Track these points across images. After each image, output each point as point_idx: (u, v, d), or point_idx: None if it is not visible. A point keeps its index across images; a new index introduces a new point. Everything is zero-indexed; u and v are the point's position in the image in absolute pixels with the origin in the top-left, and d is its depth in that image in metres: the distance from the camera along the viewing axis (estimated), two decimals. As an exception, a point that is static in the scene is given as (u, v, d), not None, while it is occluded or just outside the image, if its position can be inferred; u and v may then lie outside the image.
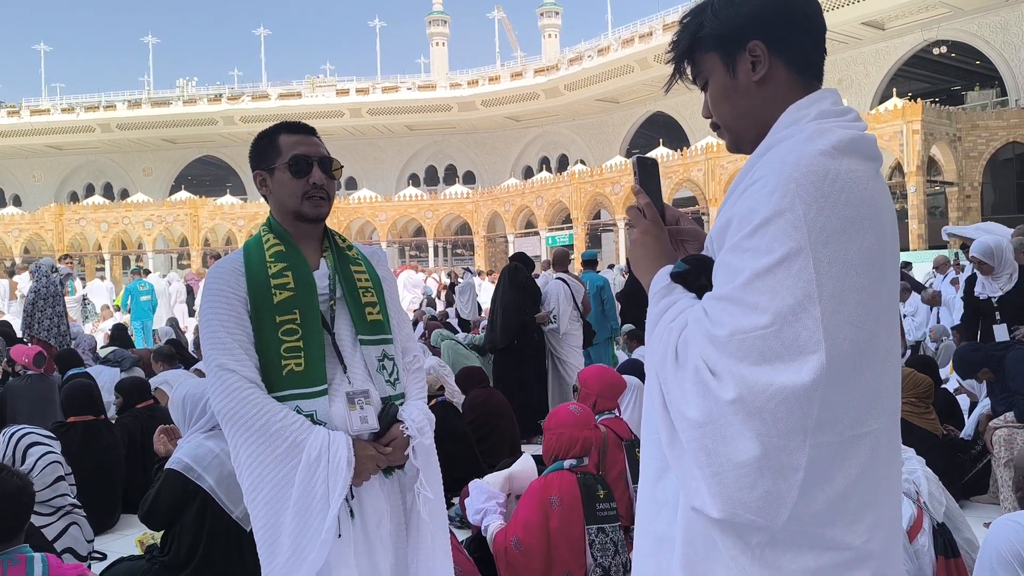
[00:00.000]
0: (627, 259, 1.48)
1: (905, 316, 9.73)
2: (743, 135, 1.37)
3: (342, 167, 2.26)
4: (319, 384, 2.02)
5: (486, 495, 3.82)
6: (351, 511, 2.00)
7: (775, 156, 1.21)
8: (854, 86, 36.85)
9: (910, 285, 10.79)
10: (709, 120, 1.43)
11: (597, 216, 40.01)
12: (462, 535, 4.13)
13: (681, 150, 34.11)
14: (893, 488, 1.25)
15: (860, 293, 1.15)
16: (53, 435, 4.36)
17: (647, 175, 1.46)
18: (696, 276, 1.29)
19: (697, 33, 1.37)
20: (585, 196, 36.58)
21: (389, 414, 2.08)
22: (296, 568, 1.90)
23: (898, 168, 27.63)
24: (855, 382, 1.15)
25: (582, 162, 45.80)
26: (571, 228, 37.59)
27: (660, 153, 34.56)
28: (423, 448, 2.13)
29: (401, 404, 2.16)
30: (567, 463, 3.48)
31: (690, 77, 1.42)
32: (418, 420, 2.13)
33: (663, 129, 44.64)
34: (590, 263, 9.65)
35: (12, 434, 4.19)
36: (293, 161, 2.11)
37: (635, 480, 4.07)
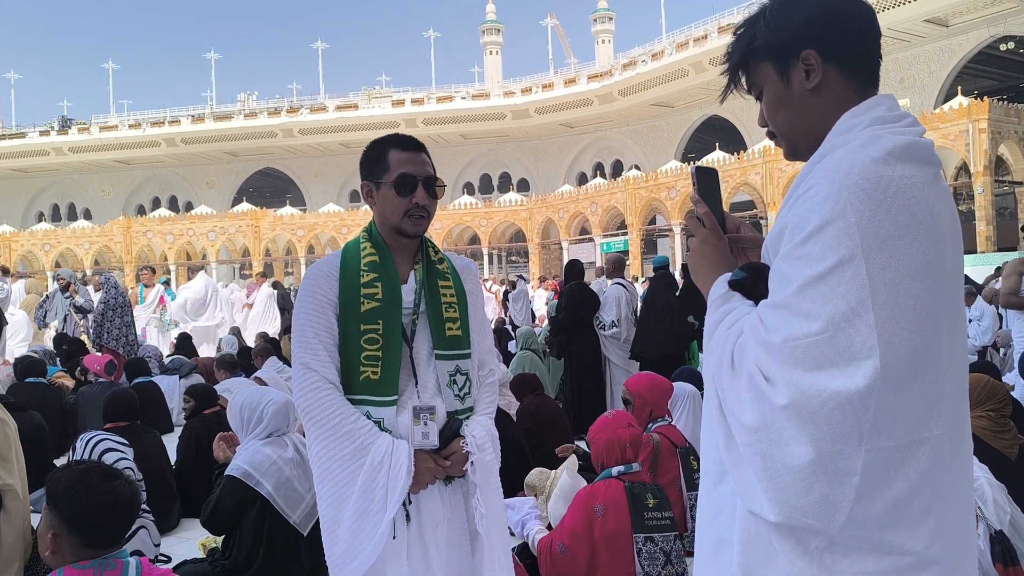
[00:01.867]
0: (682, 265, 1.50)
1: (971, 321, 9.41)
2: (799, 143, 1.38)
3: (444, 185, 2.31)
4: (390, 394, 2.11)
5: (521, 504, 3.87)
6: (407, 515, 2.08)
7: (828, 164, 1.21)
8: (917, 85, 35.90)
9: (975, 289, 10.45)
10: (765, 129, 1.44)
11: (652, 221, 39.71)
12: (513, 543, 4.14)
13: (738, 153, 33.62)
14: (960, 494, 1.24)
15: (917, 299, 1.14)
16: (127, 442, 4.51)
17: (706, 184, 1.47)
18: (754, 284, 1.30)
19: (750, 44, 1.38)
20: (640, 202, 36.35)
21: (451, 428, 2.15)
22: (349, 561, 2.01)
23: (964, 168, 26.82)
24: (912, 388, 1.15)
25: (637, 167, 45.55)
26: (626, 234, 37.38)
27: (716, 157, 34.17)
28: (482, 464, 2.17)
29: (467, 418, 2.22)
30: (615, 471, 3.45)
31: (745, 87, 1.44)
32: (479, 436, 2.18)
33: (719, 133, 44.12)
34: (662, 270, 9.58)
35: (89, 440, 4.35)
36: (400, 180, 2.18)
37: (689, 488, 4.02)
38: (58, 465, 4.21)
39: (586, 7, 66.21)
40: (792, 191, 1.28)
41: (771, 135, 1.43)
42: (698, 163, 1.83)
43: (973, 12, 33.40)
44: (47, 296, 11.35)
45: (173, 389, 8.37)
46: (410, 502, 2.08)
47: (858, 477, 1.12)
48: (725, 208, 1.51)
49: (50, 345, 10.47)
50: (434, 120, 52.88)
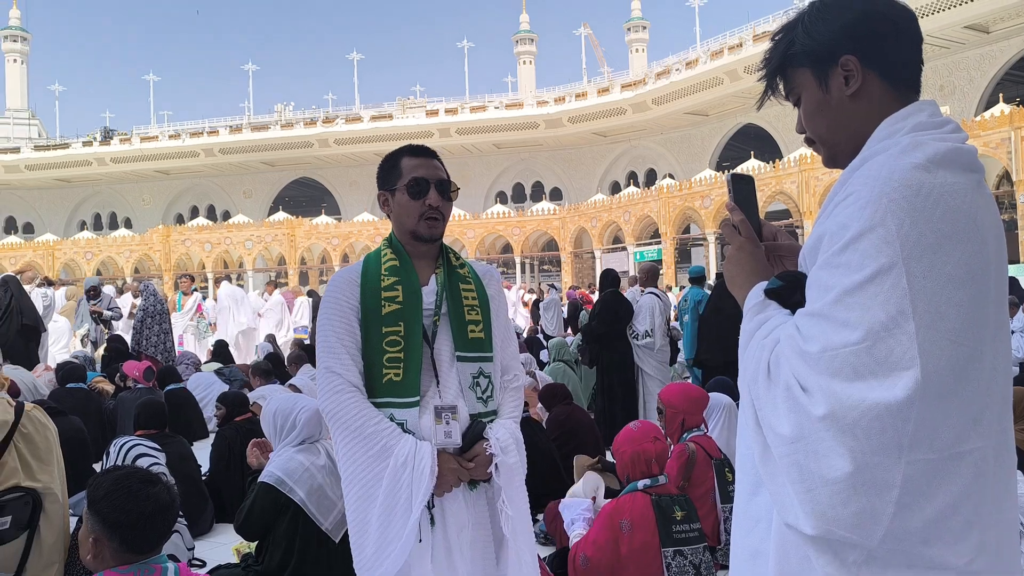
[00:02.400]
0: (716, 274, 1.49)
1: (1014, 332, 9.21)
2: (838, 150, 1.36)
3: (459, 189, 2.37)
4: (412, 396, 2.13)
5: (576, 505, 3.84)
6: (432, 519, 2.08)
7: (868, 171, 1.19)
8: (957, 92, 35.28)
9: (1017, 300, 10.22)
10: (803, 135, 1.42)
11: (687, 231, 39.43)
12: (545, 551, 4.12)
13: (773, 162, 33.29)
14: (1004, 509, 1.21)
15: (959, 308, 1.12)
16: (159, 447, 4.57)
17: (742, 192, 1.46)
18: (791, 292, 1.28)
19: (788, 50, 1.37)
20: (674, 210, 36.12)
21: (475, 431, 2.15)
22: (378, 563, 2.02)
23: (1006, 177, 26.25)
24: (955, 399, 1.12)
25: (671, 176, 45.31)
26: (659, 243, 37.16)
27: (752, 165, 33.85)
28: (507, 467, 2.17)
29: (491, 422, 2.21)
30: (640, 484, 3.40)
31: (783, 93, 1.42)
32: (503, 439, 2.18)
33: (754, 141, 43.74)
34: (698, 280, 9.53)
35: (122, 445, 4.42)
36: (412, 183, 2.23)
37: (723, 500, 3.97)
38: (97, 470, 4.27)
39: (620, 16, 66.18)
40: (830, 198, 1.25)
41: (809, 141, 1.41)
42: (734, 171, 1.81)
43: (1015, 18, 32.76)
44: (79, 303, 11.58)
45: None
46: (433, 505, 2.08)
47: (898, 490, 1.09)
48: (760, 216, 1.48)
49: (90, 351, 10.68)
50: (467, 129, 53.11)
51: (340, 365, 2.12)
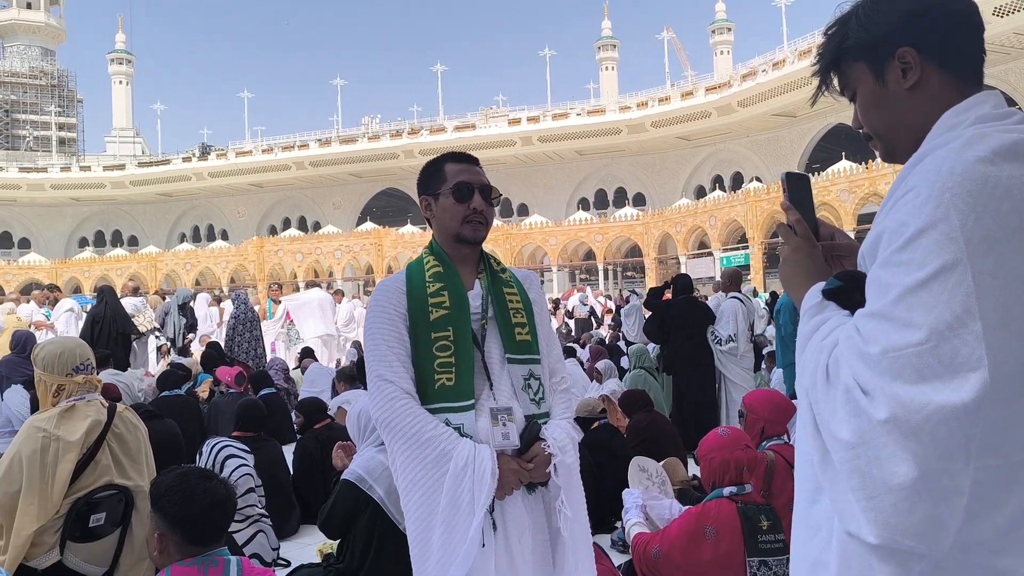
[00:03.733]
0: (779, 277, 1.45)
1: None
2: (897, 145, 1.32)
3: (500, 195, 2.39)
4: (467, 399, 2.13)
5: (628, 495, 3.88)
6: (493, 523, 2.07)
7: (929, 165, 1.15)
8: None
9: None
10: (860, 131, 1.38)
11: (775, 235, 38.44)
12: (621, 559, 4.08)
13: (866, 163, 32.13)
14: None
15: None
16: (248, 449, 4.74)
17: (798, 191, 1.43)
18: (849, 293, 1.24)
19: (843, 43, 1.33)
20: (761, 214, 35.29)
21: (531, 432, 2.15)
22: (444, 570, 2.00)
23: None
24: None
25: (758, 179, 44.30)
26: (747, 248, 36.35)
27: (843, 167, 32.79)
28: (565, 467, 2.16)
29: (545, 423, 2.22)
30: (726, 491, 3.33)
31: (837, 88, 1.38)
32: (560, 439, 2.17)
33: (846, 141, 42.33)
34: None
35: (214, 445, 4.61)
36: (456, 187, 2.25)
37: (806, 511, 3.85)
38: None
39: (703, 19, 65.32)
40: (890, 194, 1.21)
41: (867, 137, 1.37)
42: (788, 171, 1.76)
43: None
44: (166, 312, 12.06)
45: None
46: (494, 509, 2.07)
47: (966, 497, 1.04)
48: (816, 216, 1.44)
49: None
50: (550, 137, 53.20)
51: (392, 372, 2.12)
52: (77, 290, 43.67)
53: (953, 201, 1.07)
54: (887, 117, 1.31)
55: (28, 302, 12.68)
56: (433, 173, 2.33)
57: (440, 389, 2.12)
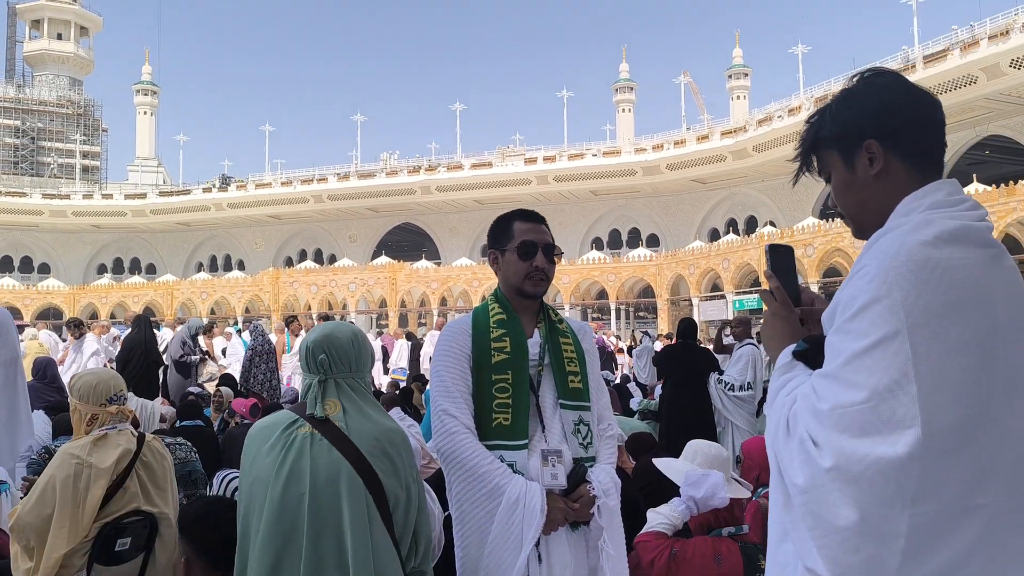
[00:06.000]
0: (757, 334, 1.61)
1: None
2: (865, 225, 1.48)
3: (562, 252, 2.59)
4: (521, 439, 2.31)
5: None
6: (539, 556, 2.23)
7: (880, 246, 1.31)
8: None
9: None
10: (836, 209, 1.55)
11: (787, 279, 38.37)
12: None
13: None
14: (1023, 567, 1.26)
15: (964, 373, 1.21)
16: (259, 480, 4.88)
17: (779, 261, 1.60)
18: (816, 354, 1.40)
19: (818, 133, 1.51)
20: (774, 259, 35.28)
21: (578, 474, 2.32)
22: None
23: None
24: (959, 457, 1.20)
25: (772, 224, 44.45)
26: (805, 285, 36.22)
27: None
28: (608, 509, 2.33)
29: (591, 466, 2.39)
30: (725, 531, 3.43)
31: (816, 170, 1.55)
32: (604, 482, 2.35)
33: (860, 188, 42.39)
34: None
35: (223, 477, 4.75)
36: (522, 246, 2.46)
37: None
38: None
39: (720, 64, 66.11)
40: (851, 271, 1.37)
41: (840, 216, 1.54)
42: (771, 242, 1.88)
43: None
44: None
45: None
46: (539, 544, 2.22)
47: (904, 540, 1.18)
48: (799, 282, 1.61)
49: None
50: (565, 177, 53.62)
51: (456, 408, 2.30)
52: (113, 316, 43.89)
53: (897, 279, 1.23)
54: (856, 200, 1.47)
55: (79, 335, 12.87)
56: (502, 230, 2.54)
57: (496, 427, 2.31)
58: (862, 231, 1.49)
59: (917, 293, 1.22)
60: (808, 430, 1.28)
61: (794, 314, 1.54)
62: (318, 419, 2.14)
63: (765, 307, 1.58)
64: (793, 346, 1.46)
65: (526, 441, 2.31)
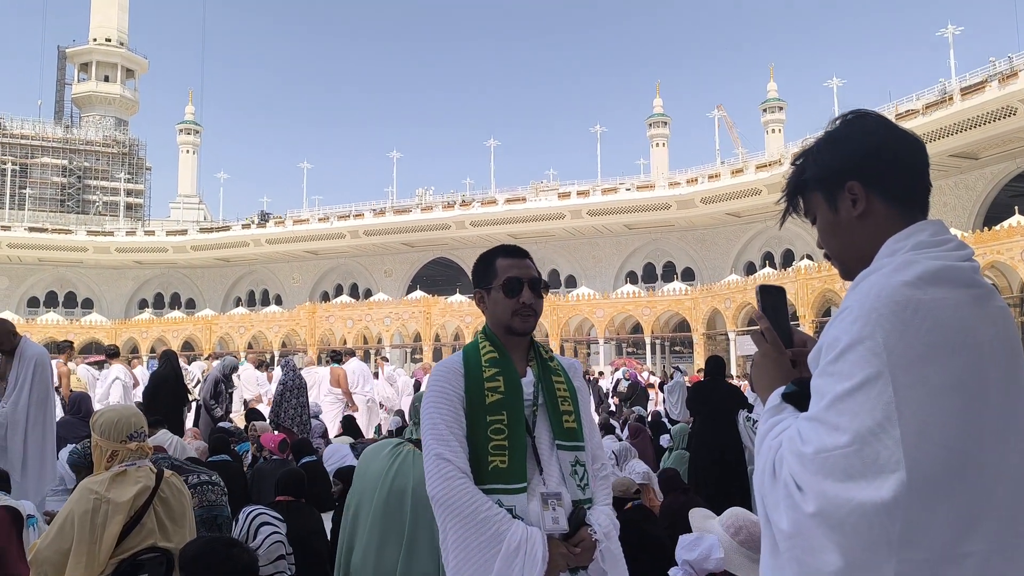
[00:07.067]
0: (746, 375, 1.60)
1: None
2: (850, 265, 1.47)
3: (549, 287, 2.53)
4: (519, 482, 2.23)
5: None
6: None
7: (863, 287, 1.30)
8: None
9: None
10: (822, 250, 1.54)
11: (827, 313, 37.88)
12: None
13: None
14: None
15: (949, 415, 1.19)
16: (281, 517, 4.90)
17: (769, 302, 1.59)
18: (804, 396, 1.38)
19: (802, 175, 1.51)
20: (812, 292, 34.91)
21: (578, 517, 2.25)
22: None
23: None
24: (945, 501, 1.18)
25: (808, 257, 43.92)
26: (797, 325, 35.81)
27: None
28: (610, 553, 2.27)
29: (589, 508, 2.32)
30: None
31: (802, 211, 1.55)
32: (605, 525, 2.29)
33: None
34: None
35: (249, 513, 4.77)
36: (507, 282, 2.39)
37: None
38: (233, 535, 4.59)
39: (755, 98, 66.05)
40: (836, 313, 1.36)
41: (827, 256, 1.53)
42: (761, 284, 1.85)
43: None
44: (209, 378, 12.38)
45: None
46: None
47: None
48: (790, 324, 1.58)
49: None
50: (599, 211, 53.64)
51: (450, 452, 2.20)
52: (152, 351, 44.57)
53: (879, 320, 1.22)
54: (840, 242, 1.47)
55: (104, 366, 13.18)
56: (485, 268, 2.47)
57: (493, 471, 2.22)
58: (848, 272, 1.47)
59: (899, 334, 1.21)
60: (792, 474, 1.25)
61: (784, 356, 1.52)
62: (415, 440, 3.09)
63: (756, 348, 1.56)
64: (783, 388, 1.44)
65: (525, 484, 2.22)
